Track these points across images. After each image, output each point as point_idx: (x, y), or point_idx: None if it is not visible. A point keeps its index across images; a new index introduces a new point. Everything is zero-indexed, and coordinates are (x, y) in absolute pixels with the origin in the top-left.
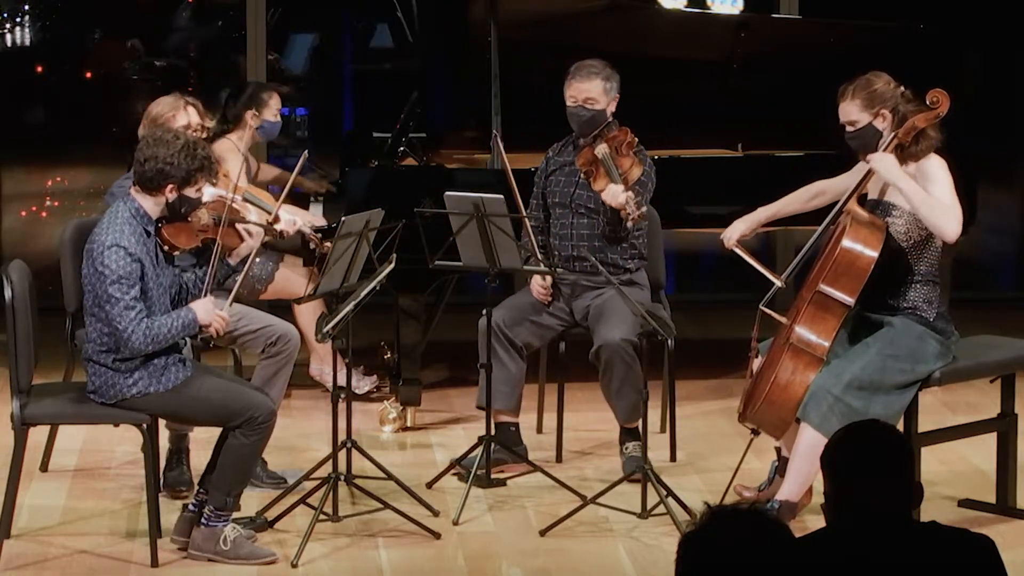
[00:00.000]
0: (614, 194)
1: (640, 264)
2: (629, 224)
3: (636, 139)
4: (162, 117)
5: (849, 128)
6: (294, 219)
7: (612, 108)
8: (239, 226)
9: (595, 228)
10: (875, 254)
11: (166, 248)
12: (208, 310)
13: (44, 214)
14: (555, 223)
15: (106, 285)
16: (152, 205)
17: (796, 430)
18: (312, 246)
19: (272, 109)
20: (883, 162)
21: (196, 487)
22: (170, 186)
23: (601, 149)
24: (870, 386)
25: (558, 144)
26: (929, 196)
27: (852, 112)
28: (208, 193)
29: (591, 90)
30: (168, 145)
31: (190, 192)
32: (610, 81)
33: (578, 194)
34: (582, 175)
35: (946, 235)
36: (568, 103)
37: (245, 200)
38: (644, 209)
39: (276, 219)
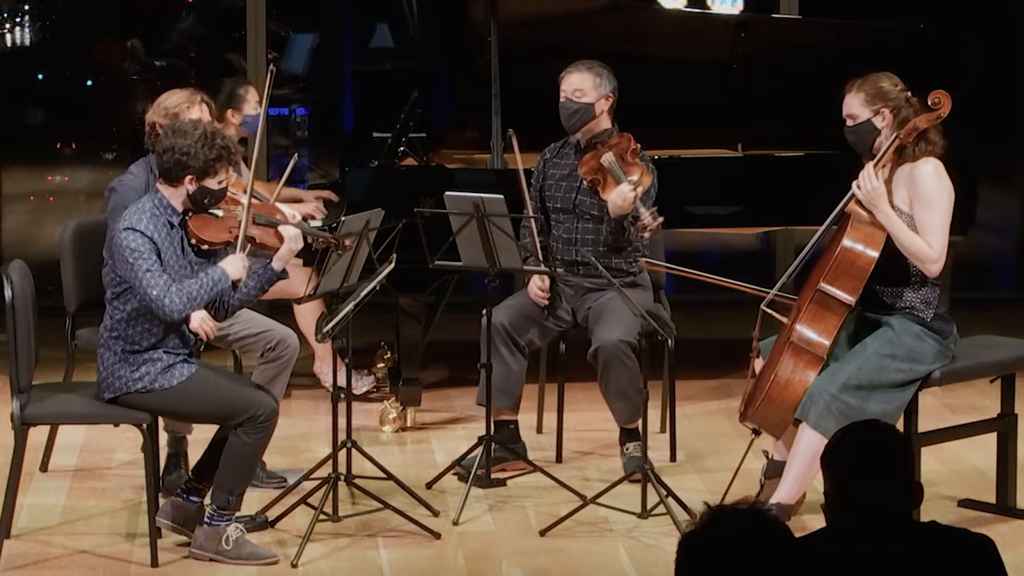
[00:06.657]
0: (623, 193)
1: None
2: (647, 235)
3: (639, 146)
4: (175, 107)
5: (849, 122)
6: (294, 212)
7: (603, 107)
8: (280, 228)
9: (599, 233)
10: (876, 254)
11: (193, 241)
12: (238, 265)
13: (45, 212)
14: (558, 227)
15: (130, 264)
16: (175, 197)
17: (794, 432)
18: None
19: (251, 103)
20: (869, 196)
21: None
22: (189, 177)
23: (607, 157)
24: (868, 385)
25: (555, 145)
26: (913, 238)
27: (854, 105)
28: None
29: (580, 82)
30: (186, 135)
31: (211, 183)
32: (601, 77)
33: (581, 200)
34: (587, 184)
35: (925, 273)
36: (561, 100)
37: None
38: (662, 219)
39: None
